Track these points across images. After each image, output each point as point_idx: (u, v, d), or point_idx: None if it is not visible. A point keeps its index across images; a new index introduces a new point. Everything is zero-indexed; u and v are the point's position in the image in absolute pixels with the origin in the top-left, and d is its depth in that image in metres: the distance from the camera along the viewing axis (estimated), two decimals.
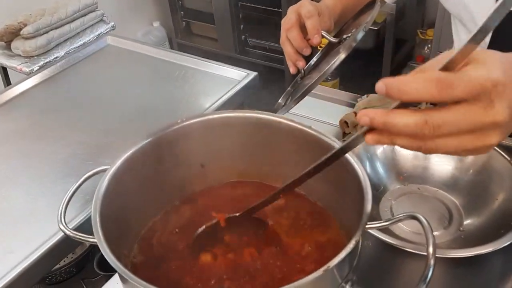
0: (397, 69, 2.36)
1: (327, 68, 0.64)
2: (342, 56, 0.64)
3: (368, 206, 0.43)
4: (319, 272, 0.38)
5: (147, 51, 1.23)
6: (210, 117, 0.54)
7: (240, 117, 0.53)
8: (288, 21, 0.74)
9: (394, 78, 0.36)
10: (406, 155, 0.73)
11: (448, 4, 0.84)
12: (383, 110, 0.37)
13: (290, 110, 0.68)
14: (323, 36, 0.72)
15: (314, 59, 0.78)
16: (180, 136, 0.53)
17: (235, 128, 0.53)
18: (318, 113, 0.93)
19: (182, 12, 2.76)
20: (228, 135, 0.53)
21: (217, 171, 0.56)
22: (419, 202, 0.71)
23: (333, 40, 0.73)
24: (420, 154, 0.62)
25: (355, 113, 0.89)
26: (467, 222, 0.67)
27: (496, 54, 0.38)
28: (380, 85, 0.36)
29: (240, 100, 1.05)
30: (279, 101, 0.75)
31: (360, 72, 2.37)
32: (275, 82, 2.29)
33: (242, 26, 2.59)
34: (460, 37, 0.89)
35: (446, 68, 0.35)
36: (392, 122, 0.37)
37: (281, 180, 0.49)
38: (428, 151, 0.38)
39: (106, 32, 1.41)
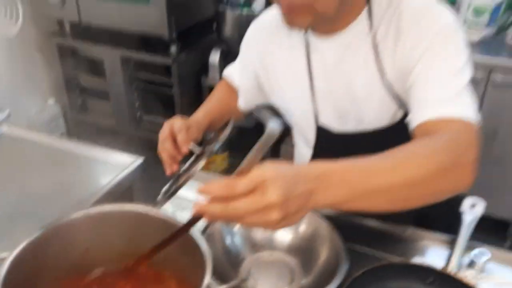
0: (277, 143, 2.66)
1: (193, 170, 0.84)
2: (202, 162, 0.84)
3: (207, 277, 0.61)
4: None
5: (40, 138, 1.34)
6: (92, 211, 0.69)
7: (116, 211, 0.69)
8: (162, 134, 0.95)
9: (207, 184, 0.57)
10: (257, 228, 0.93)
11: (284, 115, 1.09)
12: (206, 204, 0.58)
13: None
14: (190, 147, 0.92)
15: (187, 164, 0.95)
16: (69, 226, 0.67)
17: (114, 219, 0.69)
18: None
19: (78, 90, 2.86)
20: (108, 224, 0.69)
21: (100, 253, 0.70)
22: (269, 265, 0.90)
23: (197, 151, 0.92)
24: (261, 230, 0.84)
25: None
26: (304, 280, 0.87)
27: (274, 163, 0.60)
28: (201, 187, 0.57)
29: (128, 184, 1.19)
30: (158, 198, 0.92)
31: (246, 146, 2.62)
32: None
33: (137, 103, 2.75)
34: (297, 139, 1.14)
35: (239, 173, 0.56)
36: (209, 210, 0.58)
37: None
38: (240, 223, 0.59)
39: (1, 121, 1.48)
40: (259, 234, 0.93)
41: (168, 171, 0.93)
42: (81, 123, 2.90)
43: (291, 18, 0.84)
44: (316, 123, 1.01)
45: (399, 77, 0.87)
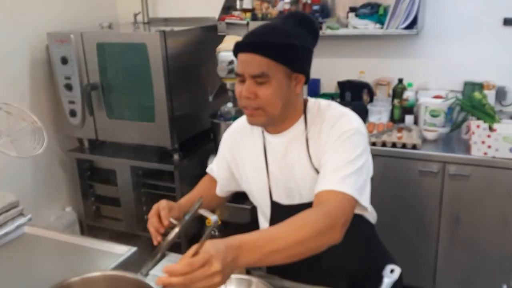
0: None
1: (171, 236, 1.13)
2: (176, 229, 1.13)
3: None
4: None
5: (58, 237, 1.63)
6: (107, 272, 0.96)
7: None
8: (151, 213, 1.28)
9: (169, 266, 0.86)
10: None
11: (250, 197, 1.41)
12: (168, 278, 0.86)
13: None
14: (170, 220, 1.22)
15: (172, 235, 1.23)
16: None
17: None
18: None
19: (92, 198, 3.20)
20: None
21: None
22: None
23: (174, 222, 1.23)
24: None
25: None
26: None
27: (215, 240, 0.89)
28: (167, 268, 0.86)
29: (124, 267, 1.45)
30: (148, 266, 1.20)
31: None
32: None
33: (144, 207, 3.05)
34: (260, 219, 1.44)
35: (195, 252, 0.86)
36: (172, 282, 0.85)
37: None
38: None
39: (24, 223, 1.80)
40: None
41: (154, 242, 1.23)
42: (95, 228, 3.18)
43: (251, 119, 1.23)
44: (270, 199, 1.32)
45: (318, 163, 1.22)
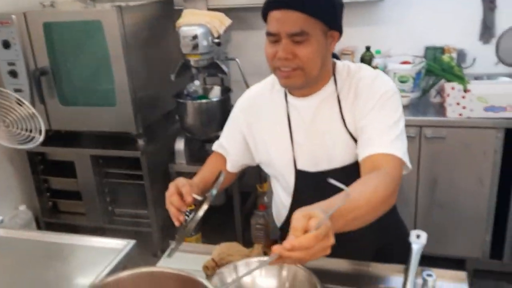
0: (246, 217, 2.83)
1: (198, 214, 1.04)
2: (205, 206, 1.03)
3: None
4: None
5: (33, 235, 1.46)
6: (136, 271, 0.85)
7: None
8: (169, 192, 1.16)
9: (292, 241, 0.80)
10: None
11: (267, 169, 1.33)
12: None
13: (170, 264, 1.02)
14: (193, 197, 1.11)
15: (191, 215, 1.13)
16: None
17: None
18: (186, 263, 1.25)
19: (48, 193, 2.96)
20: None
21: None
22: None
23: (199, 198, 1.13)
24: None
25: (213, 259, 1.24)
26: None
27: (316, 207, 0.85)
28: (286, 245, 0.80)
29: (122, 265, 1.32)
30: (172, 246, 1.11)
31: (218, 224, 2.79)
32: (144, 243, 2.55)
33: (108, 198, 2.87)
34: (277, 189, 1.36)
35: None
36: (293, 256, 0.80)
37: None
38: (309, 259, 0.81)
39: None
40: (247, 285, 1.09)
41: (176, 222, 1.12)
42: (53, 225, 2.96)
43: (288, 80, 1.15)
44: (295, 168, 1.24)
45: (355, 125, 1.18)
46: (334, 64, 1.24)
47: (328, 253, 0.83)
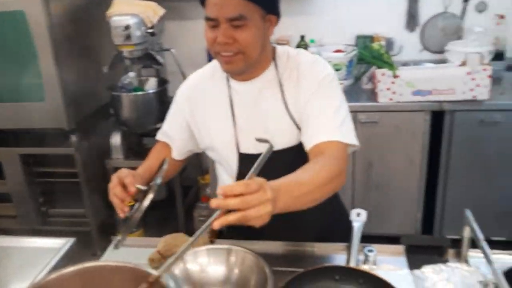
0: (189, 210, 2.81)
1: (143, 205, 1.00)
2: (150, 196, 1.01)
3: None
4: None
5: None
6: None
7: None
8: (112, 183, 1.13)
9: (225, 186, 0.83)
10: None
11: (211, 153, 1.32)
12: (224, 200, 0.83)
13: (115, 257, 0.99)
14: (137, 186, 1.09)
15: (136, 206, 1.12)
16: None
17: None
18: (130, 257, 1.22)
19: None
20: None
21: None
22: None
23: (143, 188, 1.11)
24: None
25: (158, 252, 1.22)
26: None
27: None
28: (219, 191, 0.82)
29: (62, 266, 1.26)
30: (118, 238, 1.09)
31: (160, 219, 2.74)
32: (83, 243, 2.46)
33: (41, 199, 2.73)
34: (221, 174, 1.36)
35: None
36: (228, 203, 0.82)
37: None
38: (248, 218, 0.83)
39: None
40: (196, 274, 1.08)
41: (121, 214, 1.09)
42: None
43: (230, 66, 1.15)
44: (238, 152, 1.25)
45: (297, 109, 1.20)
46: (274, 49, 1.25)
47: (268, 211, 0.84)
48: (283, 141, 1.21)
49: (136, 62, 2.56)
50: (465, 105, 2.31)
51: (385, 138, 2.43)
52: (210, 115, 1.29)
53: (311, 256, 1.22)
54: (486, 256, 0.95)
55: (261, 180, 0.86)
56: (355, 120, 2.37)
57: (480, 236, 1.00)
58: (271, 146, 0.93)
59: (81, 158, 2.53)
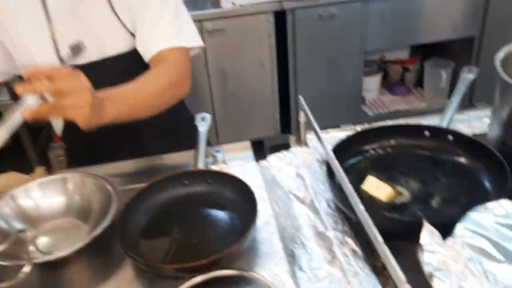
0: (44, 154, 2.59)
1: None
2: None
3: None
4: None
5: None
6: None
7: None
8: None
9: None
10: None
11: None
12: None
13: None
14: None
15: None
16: None
17: None
18: None
19: None
20: None
21: None
22: (57, 233, 0.98)
23: None
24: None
25: None
26: (88, 228, 0.98)
27: None
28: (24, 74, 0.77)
29: None
30: None
31: (10, 169, 2.49)
32: None
33: None
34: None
35: None
36: (37, 86, 0.76)
37: None
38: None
39: None
40: (31, 210, 0.99)
41: None
42: None
43: None
44: (59, 59, 1.13)
45: (126, 13, 1.10)
46: None
47: (86, 101, 0.79)
48: (114, 46, 1.13)
49: None
50: (304, 2, 2.36)
51: (234, 45, 2.42)
52: (22, 21, 1.12)
53: (161, 168, 1.19)
54: (317, 135, 1.01)
55: (74, 70, 0.80)
56: (202, 30, 2.32)
57: (311, 118, 1.04)
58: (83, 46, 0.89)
59: None
